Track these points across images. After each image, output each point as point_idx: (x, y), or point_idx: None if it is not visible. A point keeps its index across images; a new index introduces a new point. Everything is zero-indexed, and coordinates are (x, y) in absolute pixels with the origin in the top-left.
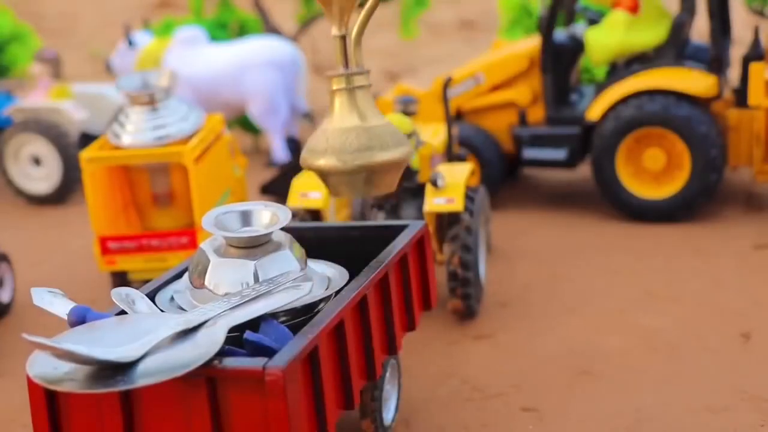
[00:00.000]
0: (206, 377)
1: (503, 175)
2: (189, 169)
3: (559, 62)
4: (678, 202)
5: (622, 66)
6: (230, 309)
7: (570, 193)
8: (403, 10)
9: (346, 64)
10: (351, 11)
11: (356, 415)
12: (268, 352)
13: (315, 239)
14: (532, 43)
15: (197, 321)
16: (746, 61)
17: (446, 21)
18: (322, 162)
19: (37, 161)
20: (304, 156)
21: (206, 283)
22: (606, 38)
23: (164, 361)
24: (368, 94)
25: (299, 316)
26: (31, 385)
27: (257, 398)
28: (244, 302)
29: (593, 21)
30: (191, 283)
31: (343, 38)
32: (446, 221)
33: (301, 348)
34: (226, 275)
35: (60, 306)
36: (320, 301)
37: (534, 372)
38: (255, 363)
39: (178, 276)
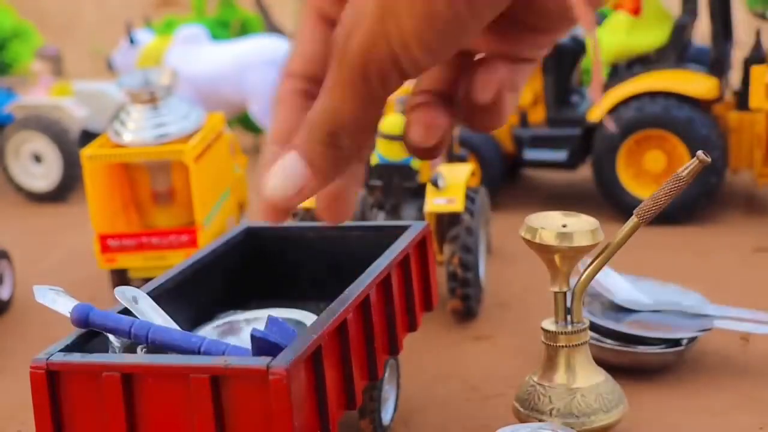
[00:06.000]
0: (210, 375)
1: (503, 175)
2: (189, 167)
3: (561, 63)
4: (678, 204)
5: (624, 68)
6: None
7: (570, 194)
8: None
9: (567, 320)
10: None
11: (355, 415)
12: (276, 349)
13: (315, 239)
14: None
15: None
16: (747, 64)
17: None
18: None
19: (37, 158)
20: (517, 407)
21: None
22: (607, 40)
23: None
24: (587, 349)
25: None
26: (33, 377)
27: (261, 397)
28: None
29: None
30: None
31: (564, 294)
32: (446, 222)
33: (305, 347)
34: None
35: (62, 304)
36: None
37: None
38: (259, 362)
39: (180, 274)
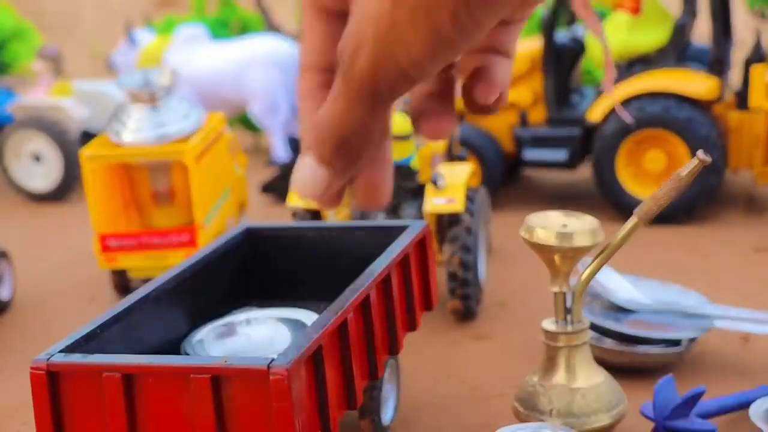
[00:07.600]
0: (210, 375)
1: (503, 175)
2: (190, 167)
3: (561, 63)
4: (678, 204)
5: (624, 67)
6: None
7: (570, 194)
8: None
9: (567, 320)
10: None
11: (354, 415)
12: None
13: (315, 239)
14: (534, 44)
15: None
16: (747, 64)
17: None
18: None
19: (37, 158)
20: (517, 407)
21: None
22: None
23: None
24: (587, 349)
25: None
26: (34, 377)
27: (262, 397)
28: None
29: None
30: None
31: (564, 294)
32: (446, 222)
33: (305, 348)
34: None
35: None
36: None
37: None
38: (259, 362)
39: (180, 274)
